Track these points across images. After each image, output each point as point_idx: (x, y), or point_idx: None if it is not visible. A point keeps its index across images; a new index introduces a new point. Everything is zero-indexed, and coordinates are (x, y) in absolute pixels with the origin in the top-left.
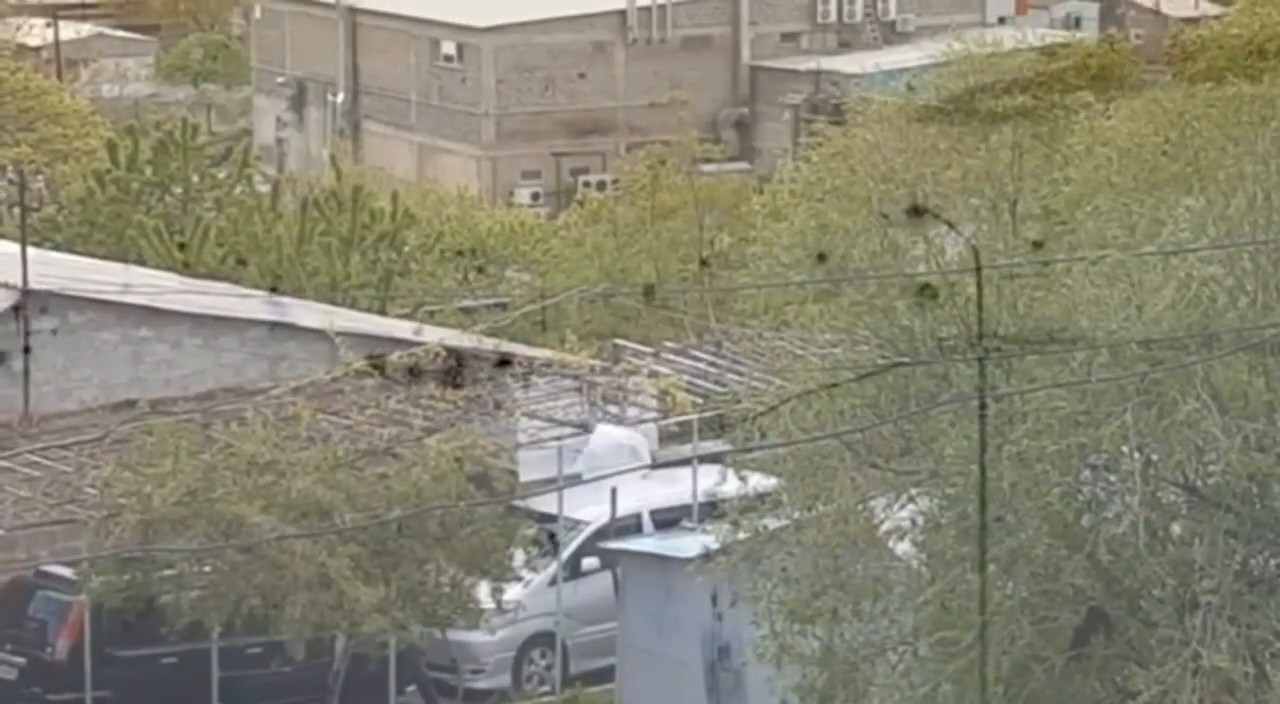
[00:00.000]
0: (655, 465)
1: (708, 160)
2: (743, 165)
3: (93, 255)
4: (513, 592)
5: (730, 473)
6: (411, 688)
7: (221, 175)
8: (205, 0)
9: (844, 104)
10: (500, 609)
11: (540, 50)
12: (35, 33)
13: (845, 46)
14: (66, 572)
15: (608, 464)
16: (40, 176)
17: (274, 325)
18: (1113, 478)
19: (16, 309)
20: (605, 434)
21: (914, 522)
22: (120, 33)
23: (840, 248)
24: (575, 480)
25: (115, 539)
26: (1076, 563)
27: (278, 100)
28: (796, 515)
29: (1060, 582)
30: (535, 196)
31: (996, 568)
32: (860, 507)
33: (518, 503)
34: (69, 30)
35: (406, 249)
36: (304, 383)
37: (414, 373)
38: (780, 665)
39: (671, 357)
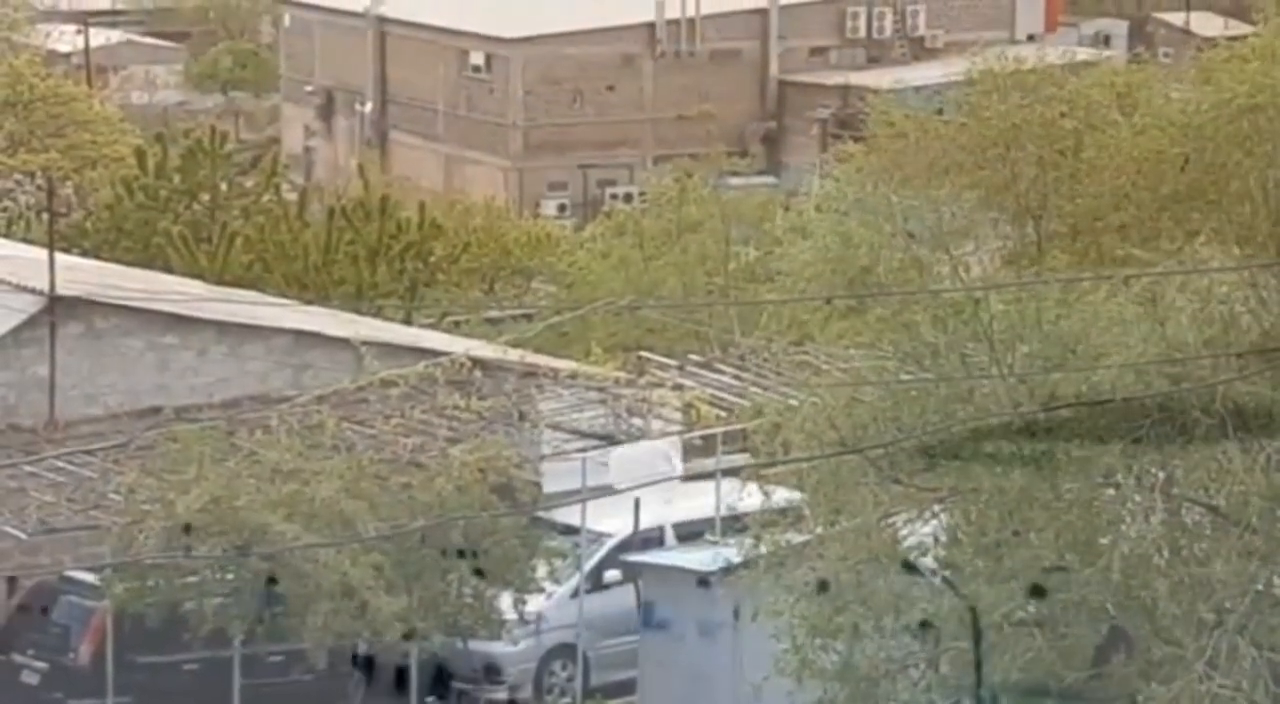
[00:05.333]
0: (684, 478)
1: (734, 174)
2: (770, 179)
3: (120, 262)
4: (535, 603)
5: (752, 487)
6: (432, 698)
7: (249, 183)
8: (235, 8)
9: (866, 117)
10: (522, 620)
11: (569, 62)
12: (65, 39)
13: (874, 62)
14: (90, 577)
15: (640, 468)
16: (69, 183)
17: (299, 334)
18: (1135, 497)
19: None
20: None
21: (936, 537)
22: (150, 40)
23: (864, 262)
24: (600, 492)
25: (139, 545)
26: (1093, 579)
27: (306, 109)
28: (819, 530)
29: (1077, 596)
30: (562, 208)
31: (1014, 583)
32: (882, 522)
33: (541, 514)
34: (99, 37)
35: (433, 259)
36: (329, 391)
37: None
38: (801, 680)
39: (696, 370)
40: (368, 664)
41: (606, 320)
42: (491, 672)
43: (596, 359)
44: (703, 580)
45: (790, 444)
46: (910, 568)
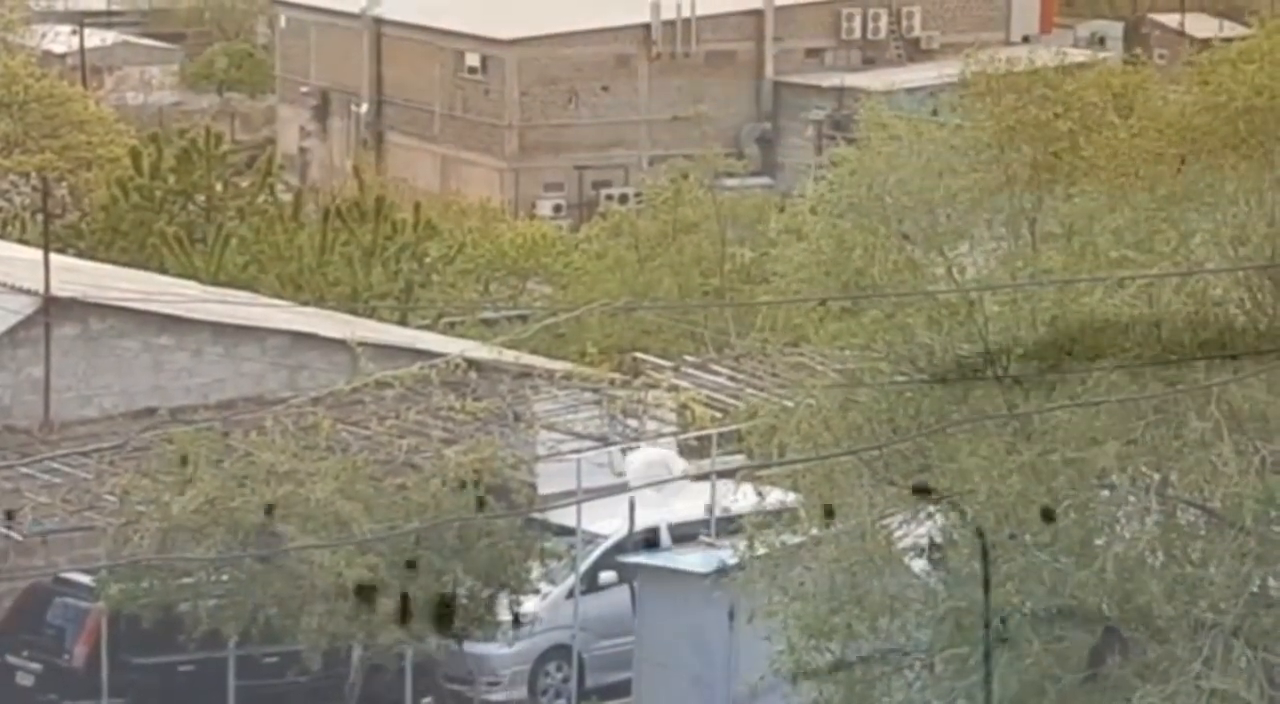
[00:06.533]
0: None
1: (730, 175)
2: (765, 180)
3: (115, 263)
4: (530, 604)
5: (747, 488)
6: (428, 699)
7: (244, 184)
8: (230, 9)
9: (855, 118)
10: (517, 622)
11: (564, 63)
12: (61, 40)
13: (869, 63)
14: (85, 579)
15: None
16: (64, 184)
17: (294, 335)
18: (1130, 498)
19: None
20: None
21: (931, 539)
22: (145, 41)
23: (858, 263)
24: (594, 493)
25: (134, 547)
26: (1088, 581)
27: (301, 110)
28: (814, 531)
29: (1073, 598)
30: (557, 209)
31: (1010, 585)
32: (877, 523)
33: (536, 515)
34: (94, 38)
35: (428, 260)
36: (324, 393)
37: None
38: (796, 681)
39: (691, 371)
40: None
41: (602, 321)
42: (486, 673)
43: (592, 360)
44: (698, 581)
45: (785, 445)
46: (922, 491)
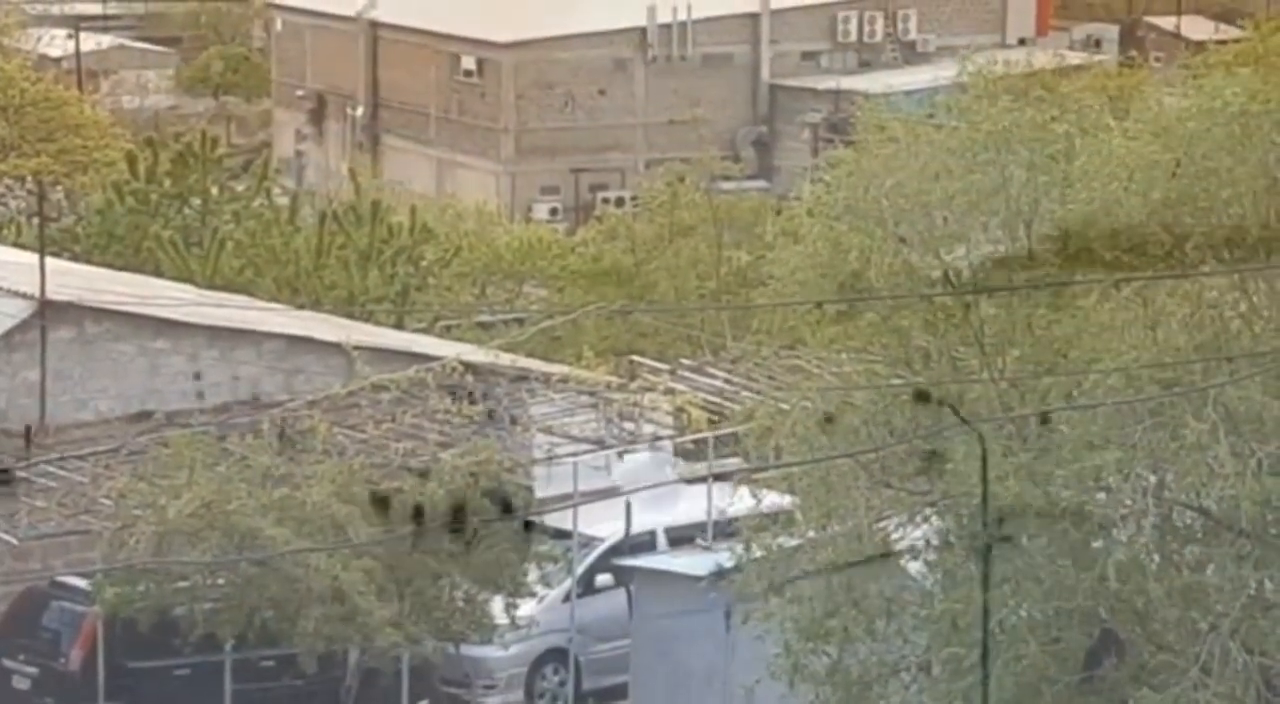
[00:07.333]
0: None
1: (726, 178)
2: (761, 183)
3: (111, 266)
4: (526, 607)
5: (743, 491)
6: (424, 703)
7: (240, 188)
8: (226, 13)
9: (856, 121)
10: (514, 625)
11: (560, 66)
12: (56, 44)
13: (865, 66)
14: (81, 582)
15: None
16: (59, 187)
17: (291, 338)
18: (1127, 501)
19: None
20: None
21: (927, 541)
22: (141, 44)
23: (854, 266)
24: (591, 497)
25: (129, 550)
26: (1086, 584)
27: (297, 113)
28: (810, 534)
29: (1070, 602)
30: (554, 212)
31: (1007, 587)
32: (873, 526)
33: (532, 518)
34: (90, 42)
35: (424, 263)
36: (320, 396)
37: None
38: (793, 684)
39: (688, 374)
40: None
41: (598, 324)
42: (483, 676)
43: (588, 363)
44: (695, 584)
45: (782, 448)
46: (923, 398)
